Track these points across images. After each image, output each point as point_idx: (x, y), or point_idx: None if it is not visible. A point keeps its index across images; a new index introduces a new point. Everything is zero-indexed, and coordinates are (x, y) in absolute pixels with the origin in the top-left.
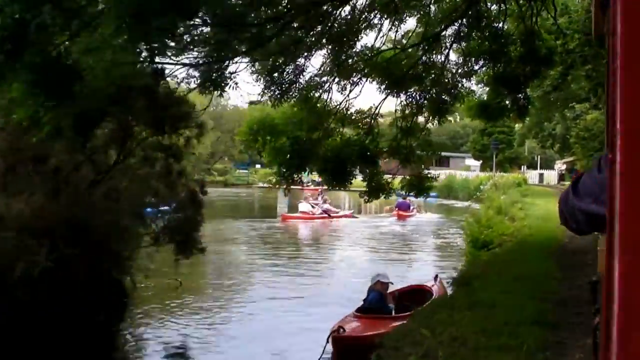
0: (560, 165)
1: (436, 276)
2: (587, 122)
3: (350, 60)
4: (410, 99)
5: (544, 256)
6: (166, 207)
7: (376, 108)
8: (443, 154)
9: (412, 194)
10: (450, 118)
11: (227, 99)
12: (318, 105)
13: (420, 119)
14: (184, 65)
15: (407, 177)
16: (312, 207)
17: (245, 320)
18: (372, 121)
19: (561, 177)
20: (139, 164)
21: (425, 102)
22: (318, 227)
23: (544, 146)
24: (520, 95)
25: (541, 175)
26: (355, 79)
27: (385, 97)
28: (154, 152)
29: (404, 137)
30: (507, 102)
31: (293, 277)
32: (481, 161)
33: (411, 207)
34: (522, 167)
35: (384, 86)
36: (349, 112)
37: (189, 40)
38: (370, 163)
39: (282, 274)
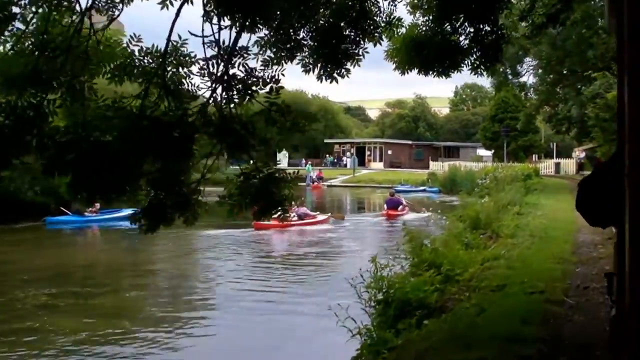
0: (578, 153)
1: None
2: (607, 100)
3: None
4: (279, 35)
5: None
6: None
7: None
8: (452, 143)
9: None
10: (352, 67)
11: None
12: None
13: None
14: None
15: (241, 179)
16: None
17: None
18: (177, 70)
19: (580, 167)
20: None
21: (308, 40)
22: (292, 236)
23: (559, 131)
24: (485, 27)
25: (557, 164)
26: None
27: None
28: None
29: (229, 103)
30: (463, 39)
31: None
32: (493, 151)
33: (402, 206)
34: (534, 155)
35: (220, 9)
36: (129, 56)
37: None
38: (177, 152)
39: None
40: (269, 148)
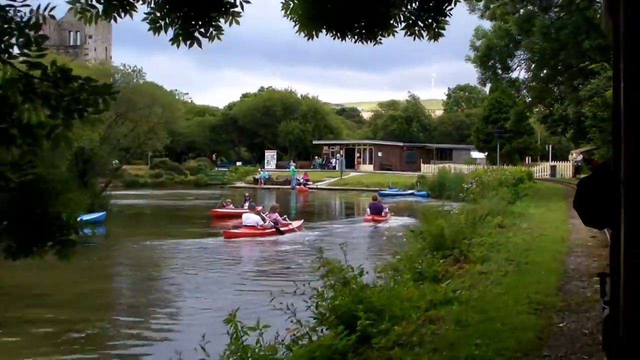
0: (575, 156)
1: None
2: (606, 98)
3: None
4: None
5: None
6: None
7: None
8: (445, 145)
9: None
10: (227, 25)
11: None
12: None
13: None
14: None
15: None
16: (263, 219)
17: None
18: None
19: (577, 170)
20: None
21: None
22: (256, 248)
23: (555, 132)
24: None
25: (553, 167)
26: None
27: None
28: None
29: None
30: None
31: None
32: (487, 153)
33: (384, 211)
34: (528, 158)
35: None
36: None
37: None
38: None
39: None
40: (36, 140)
